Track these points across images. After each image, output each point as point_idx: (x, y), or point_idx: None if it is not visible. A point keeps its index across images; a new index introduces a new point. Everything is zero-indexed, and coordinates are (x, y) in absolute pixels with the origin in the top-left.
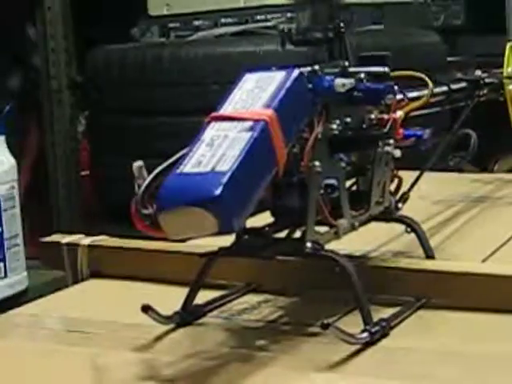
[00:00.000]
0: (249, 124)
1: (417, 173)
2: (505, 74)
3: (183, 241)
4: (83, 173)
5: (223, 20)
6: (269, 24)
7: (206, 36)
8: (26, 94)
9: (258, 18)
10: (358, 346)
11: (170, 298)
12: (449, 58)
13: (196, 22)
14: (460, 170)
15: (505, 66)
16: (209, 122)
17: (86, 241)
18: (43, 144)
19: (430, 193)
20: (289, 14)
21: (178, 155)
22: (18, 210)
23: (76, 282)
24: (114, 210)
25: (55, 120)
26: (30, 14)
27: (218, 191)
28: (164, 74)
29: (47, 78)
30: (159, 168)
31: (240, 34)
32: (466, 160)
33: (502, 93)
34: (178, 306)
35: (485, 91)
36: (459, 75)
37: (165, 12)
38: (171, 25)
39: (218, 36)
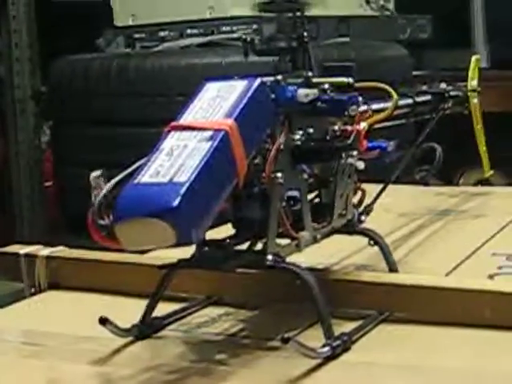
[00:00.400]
0: (209, 134)
1: (381, 185)
2: (469, 88)
3: (144, 252)
4: (47, 183)
5: (189, 31)
6: (234, 35)
7: (171, 47)
8: None
9: (224, 29)
10: (318, 361)
11: (130, 310)
12: (415, 72)
13: (162, 33)
14: (426, 184)
15: (469, 79)
16: (168, 132)
17: (44, 252)
18: (7, 154)
19: (394, 206)
20: (255, 26)
21: (136, 165)
22: None
23: (34, 293)
24: (77, 221)
25: (19, 130)
26: None
27: (175, 202)
28: (129, 85)
29: (11, 88)
30: (117, 178)
31: (206, 45)
32: (432, 173)
33: (467, 106)
34: (137, 319)
35: (449, 104)
36: (424, 88)
37: (130, 23)
38: (137, 35)
39: (183, 47)
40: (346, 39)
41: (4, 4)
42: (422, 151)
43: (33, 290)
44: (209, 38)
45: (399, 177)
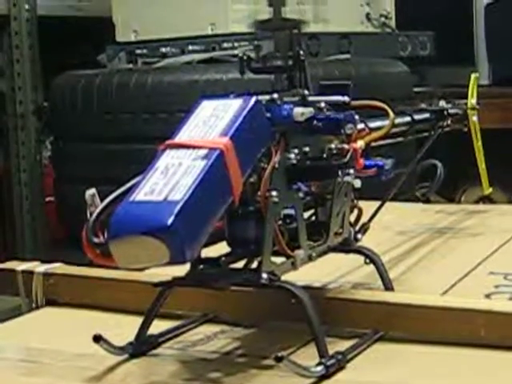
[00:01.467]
0: (204, 152)
1: (378, 203)
2: (469, 105)
3: (141, 270)
4: (48, 199)
5: (190, 47)
6: (236, 52)
7: (172, 63)
8: None
9: (226, 45)
10: (312, 380)
11: (125, 328)
12: (416, 89)
13: (163, 49)
14: (427, 201)
15: (469, 96)
16: (163, 150)
17: (41, 268)
18: (8, 168)
19: (393, 223)
20: (256, 42)
21: (131, 183)
22: None
23: (31, 309)
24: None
25: (20, 145)
26: None
27: (169, 221)
28: (130, 101)
29: (13, 103)
30: (111, 196)
31: (207, 61)
32: (432, 190)
33: (466, 124)
34: (133, 336)
35: (448, 122)
36: (423, 105)
37: (132, 38)
38: (138, 51)
39: (184, 63)
40: (347, 56)
41: (6, 19)
42: (423, 168)
43: (30, 306)
44: (210, 54)
45: (400, 194)
